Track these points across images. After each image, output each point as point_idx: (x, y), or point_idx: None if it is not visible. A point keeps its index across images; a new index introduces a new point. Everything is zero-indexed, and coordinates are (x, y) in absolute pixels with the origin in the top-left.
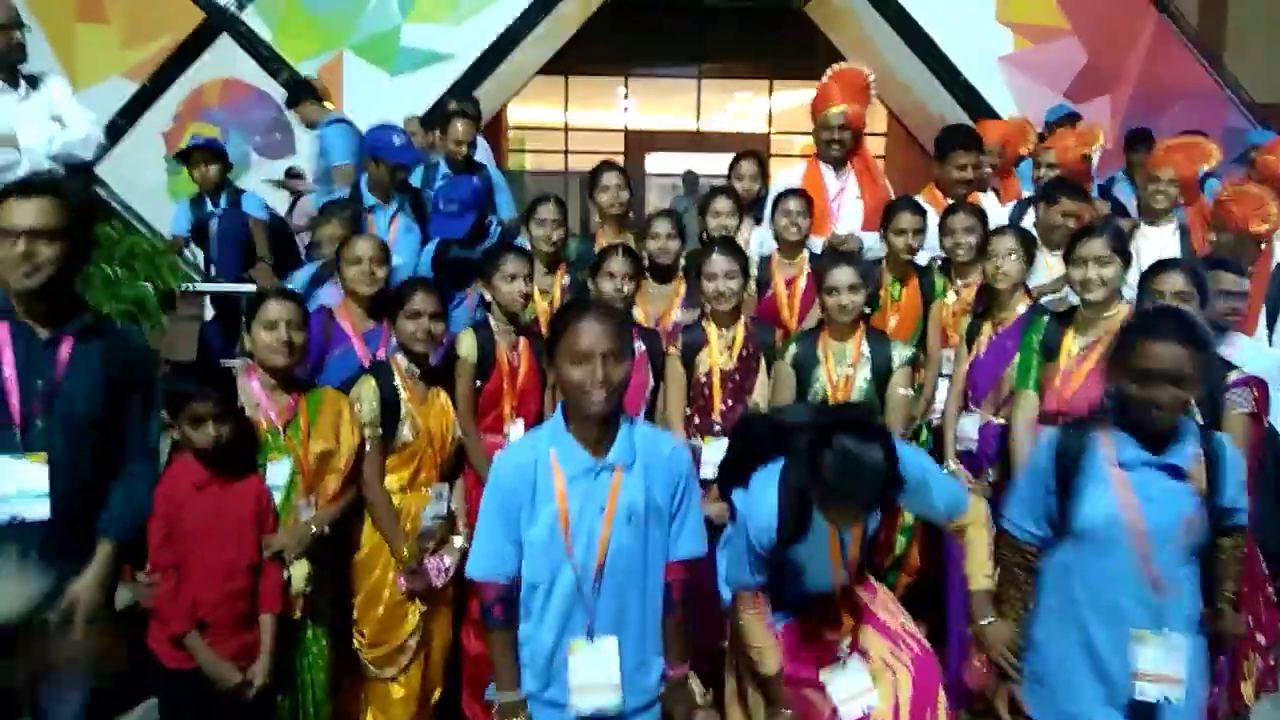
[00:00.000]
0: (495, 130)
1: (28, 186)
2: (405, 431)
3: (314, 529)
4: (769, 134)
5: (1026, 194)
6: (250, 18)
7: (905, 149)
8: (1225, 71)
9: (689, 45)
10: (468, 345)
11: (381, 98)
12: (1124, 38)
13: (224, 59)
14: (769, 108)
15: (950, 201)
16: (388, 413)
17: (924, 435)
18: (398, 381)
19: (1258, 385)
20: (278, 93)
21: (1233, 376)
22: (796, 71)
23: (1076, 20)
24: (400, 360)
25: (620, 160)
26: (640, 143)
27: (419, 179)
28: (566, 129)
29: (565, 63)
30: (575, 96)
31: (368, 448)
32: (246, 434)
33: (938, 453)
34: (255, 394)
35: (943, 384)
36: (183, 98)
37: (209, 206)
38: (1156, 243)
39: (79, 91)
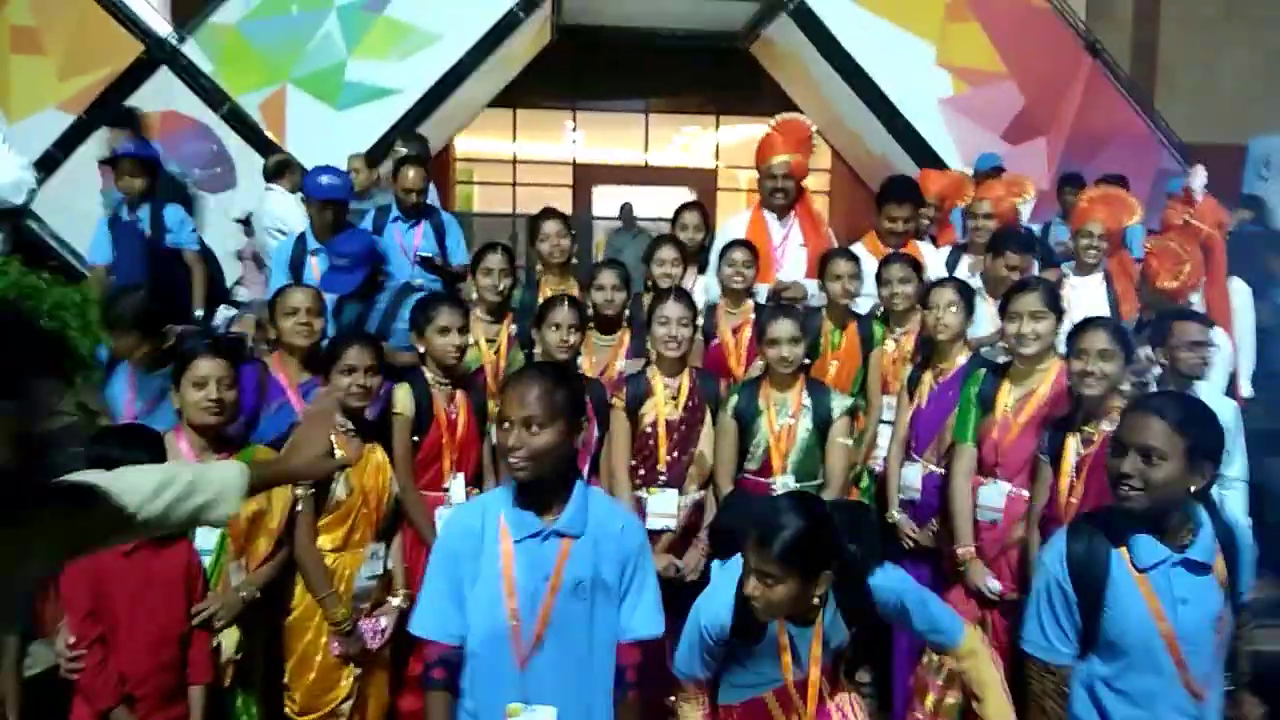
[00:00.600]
0: (442, 162)
1: None
2: (339, 490)
3: (244, 594)
4: (716, 168)
5: (961, 241)
6: (190, 50)
7: (849, 185)
8: (1157, 115)
9: (637, 80)
10: (404, 400)
11: (326, 133)
12: (1059, 83)
13: (163, 91)
14: (716, 142)
15: (888, 250)
16: None
17: (865, 481)
18: (331, 438)
19: None
20: (218, 126)
21: None
22: (743, 107)
23: (1013, 65)
24: (335, 417)
25: (569, 193)
26: (588, 176)
27: (369, 222)
28: (515, 161)
29: (514, 95)
30: (523, 128)
31: (300, 507)
32: None
33: (880, 500)
34: (184, 455)
35: (883, 430)
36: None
37: (125, 216)
38: (1085, 293)
39: (14, 123)
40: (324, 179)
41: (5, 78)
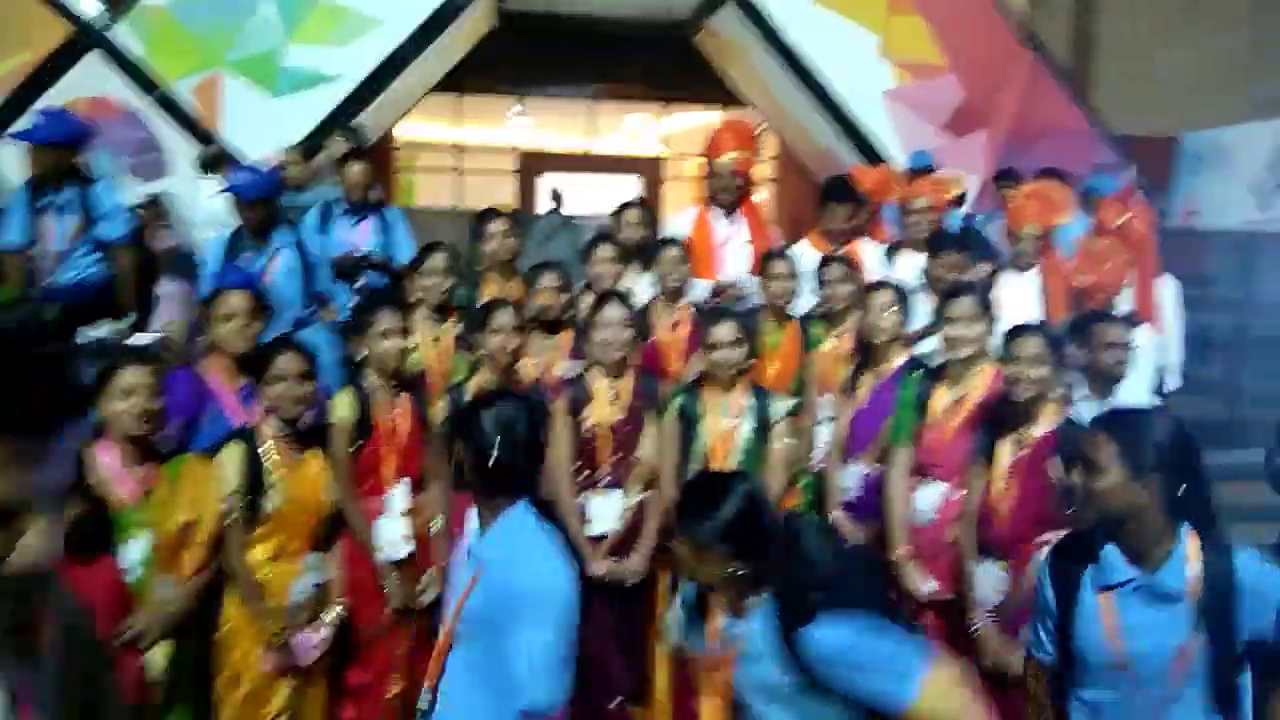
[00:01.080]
0: (382, 149)
1: None
2: (273, 499)
3: (173, 609)
4: (662, 156)
5: (895, 239)
6: (120, 33)
7: (795, 175)
8: (1094, 110)
9: (583, 67)
10: (344, 406)
11: (262, 120)
12: (998, 76)
13: (92, 76)
14: (662, 130)
15: (832, 247)
16: (254, 480)
17: (805, 480)
18: (266, 446)
19: None
20: (150, 112)
21: None
22: (690, 95)
23: (954, 58)
24: (270, 424)
25: (515, 180)
26: (533, 163)
27: (314, 217)
28: (458, 146)
29: (457, 81)
30: (467, 114)
31: (230, 517)
32: (97, 512)
33: (819, 501)
34: (109, 468)
35: (822, 430)
36: None
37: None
38: (1018, 292)
39: None
40: (241, 176)
41: None
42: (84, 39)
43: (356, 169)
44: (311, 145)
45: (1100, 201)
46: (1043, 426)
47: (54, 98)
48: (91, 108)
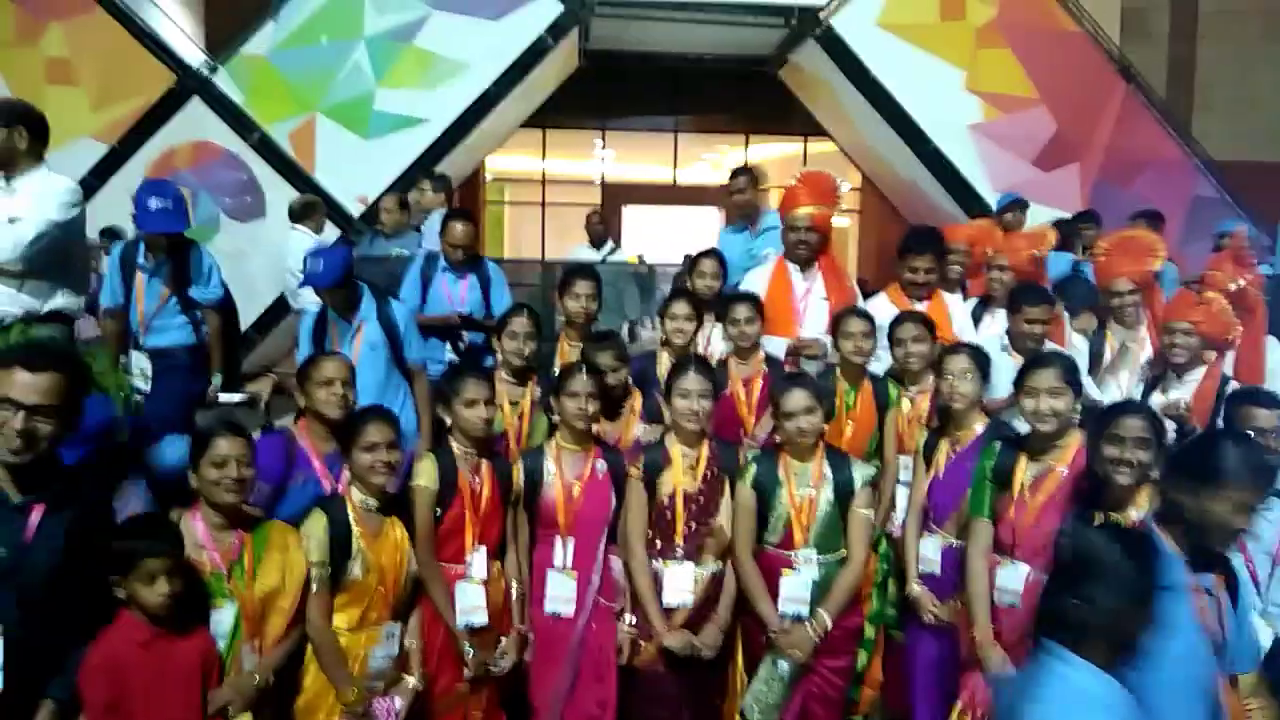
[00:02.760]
0: (473, 181)
1: (33, 357)
2: (355, 569)
3: (257, 679)
4: None
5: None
6: (221, 80)
7: (878, 202)
8: (1194, 142)
9: (666, 100)
10: (428, 472)
11: (354, 162)
12: (1092, 107)
13: (195, 121)
14: (745, 161)
15: (913, 302)
16: (338, 549)
17: (883, 546)
18: (350, 515)
19: None
20: (248, 155)
21: None
22: (773, 126)
23: (1045, 90)
24: (355, 493)
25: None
26: (617, 194)
27: (416, 273)
28: (544, 179)
29: (543, 116)
30: (553, 147)
31: (315, 587)
32: (193, 581)
33: (898, 569)
34: (200, 536)
35: (900, 492)
36: (153, 159)
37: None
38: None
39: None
40: (320, 267)
41: (40, 108)
42: (188, 86)
43: (460, 229)
44: (404, 189)
45: (1212, 260)
46: (1139, 512)
47: (160, 142)
48: (194, 151)
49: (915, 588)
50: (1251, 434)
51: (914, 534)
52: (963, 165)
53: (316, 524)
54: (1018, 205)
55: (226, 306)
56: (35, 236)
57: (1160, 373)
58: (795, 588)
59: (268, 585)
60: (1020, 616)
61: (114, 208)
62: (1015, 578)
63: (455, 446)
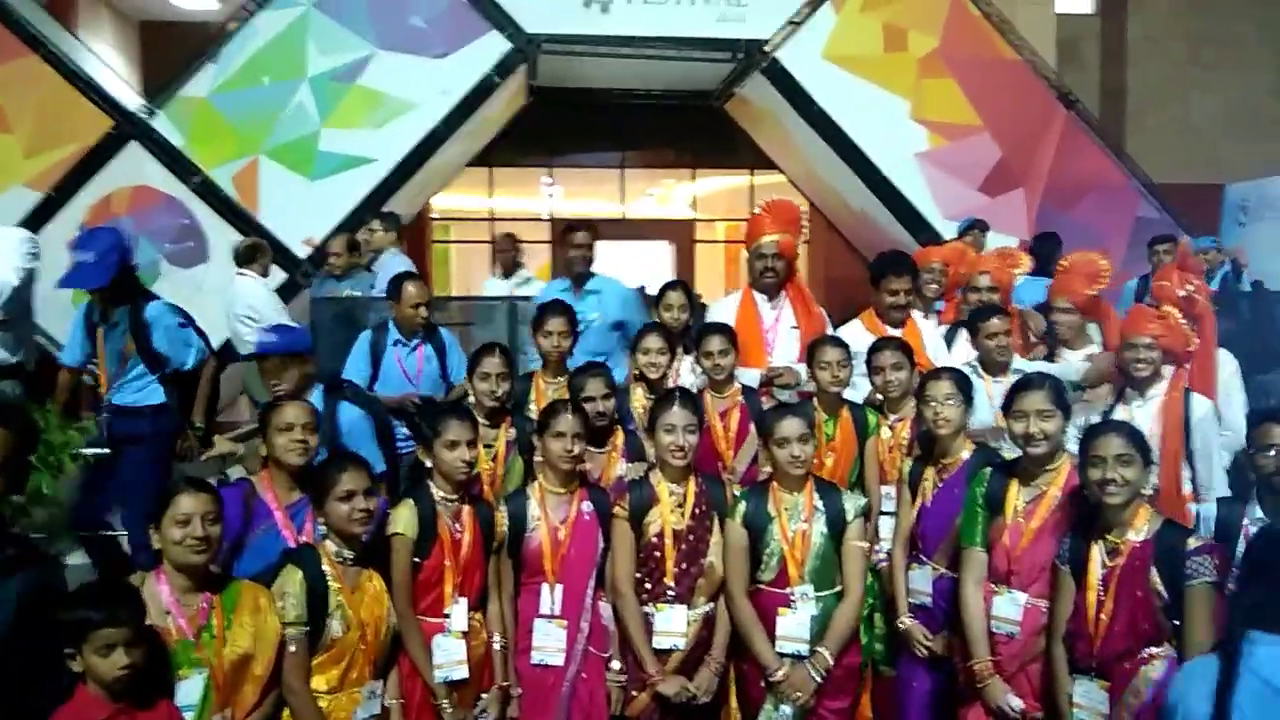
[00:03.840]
0: (419, 221)
1: None
2: (335, 626)
3: None
4: (693, 220)
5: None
6: (160, 124)
7: (826, 232)
8: (1132, 163)
9: (613, 136)
10: (406, 520)
11: (299, 203)
12: (1034, 134)
13: (133, 166)
14: (693, 194)
15: (888, 328)
16: (315, 607)
17: (869, 580)
18: (326, 568)
19: (1218, 553)
20: (190, 200)
21: (1191, 543)
22: (719, 160)
23: (988, 117)
24: (329, 545)
25: (548, 248)
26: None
27: (366, 345)
28: (491, 218)
29: (490, 154)
30: (500, 184)
31: (292, 648)
32: (155, 650)
33: (885, 604)
34: (165, 600)
35: (884, 522)
36: (89, 205)
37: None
38: (1077, 367)
39: None
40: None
41: None
42: (126, 130)
43: (414, 288)
44: (353, 229)
45: (1161, 270)
46: (1137, 533)
47: (97, 187)
48: (133, 196)
49: (907, 621)
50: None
51: (901, 565)
52: (911, 193)
53: (291, 580)
54: (977, 226)
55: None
56: (17, 286)
57: (1121, 389)
58: (793, 627)
59: (239, 650)
60: (1019, 646)
61: (48, 256)
62: (1012, 606)
63: (435, 491)
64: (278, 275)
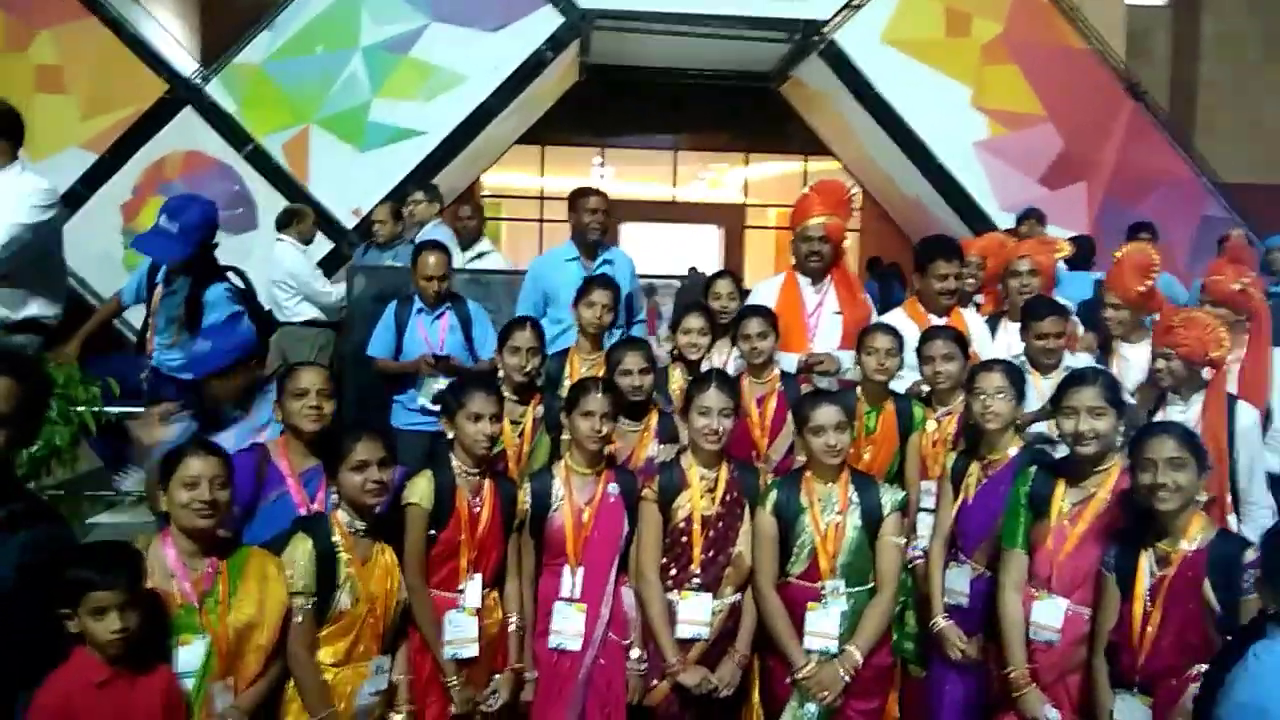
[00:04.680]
0: (470, 197)
1: None
2: (343, 599)
3: None
4: (744, 204)
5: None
6: (214, 90)
7: (880, 220)
8: (1201, 160)
9: (665, 117)
10: (423, 490)
11: (349, 174)
12: (1099, 125)
13: (186, 131)
14: (744, 178)
15: (933, 316)
16: (324, 577)
17: (902, 576)
18: (337, 539)
19: None
20: (240, 166)
21: (1250, 554)
22: (772, 144)
23: (1052, 107)
24: (341, 516)
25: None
26: (615, 212)
27: (391, 316)
28: (542, 196)
29: (541, 132)
30: (551, 163)
31: (298, 619)
32: (155, 614)
33: (919, 603)
34: (170, 563)
35: (922, 519)
36: (143, 169)
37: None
38: (1138, 361)
39: (37, 162)
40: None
41: (29, 116)
42: (180, 96)
43: (433, 258)
44: (399, 199)
45: (1212, 267)
46: (1190, 542)
47: (150, 151)
48: (185, 161)
49: (941, 622)
50: None
51: (939, 563)
52: (968, 182)
53: (300, 549)
54: (1033, 216)
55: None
56: (5, 241)
57: (1162, 393)
58: (823, 623)
59: (244, 618)
60: (1059, 655)
61: (101, 216)
62: (1053, 613)
63: (455, 464)
64: (323, 244)
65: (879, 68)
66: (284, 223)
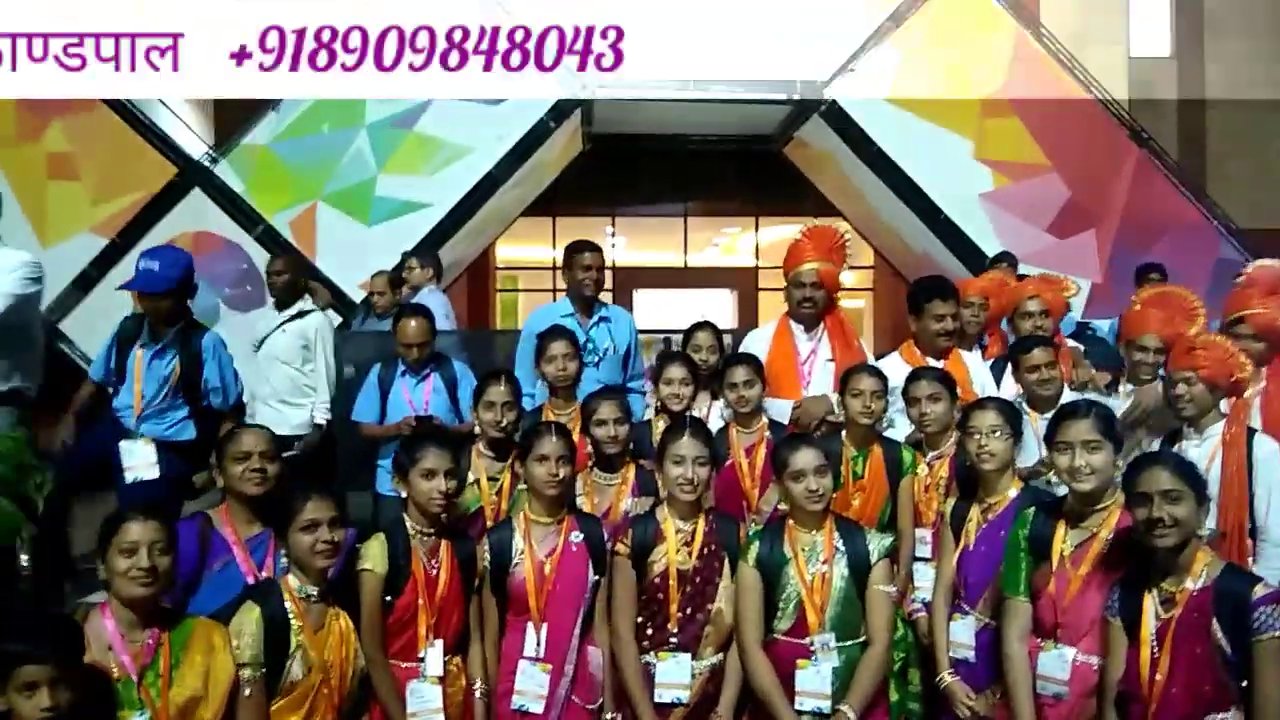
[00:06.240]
0: (482, 270)
1: None
2: (296, 668)
3: None
4: (757, 267)
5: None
6: (222, 171)
7: (892, 281)
8: (1212, 203)
9: (674, 185)
10: (376, 554)
11: (356, 248)
12: (1106, 173)
13: (195, 212)
14: (756, 242)
15: (930, 359)
16: (275, 646)
17: (900, 630)
18: (288, 606)
19: None
20: (249, 245)
21: (1259, 590)
22: (783, 207)
23: (1057, 157)
24: (292, 580)
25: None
26: (628, 279)
27: (374, 383)
28: (555, 266)
29: (552, 203)
30: (563, 234)
31: (247, 692)
32: (96, 687)
33: (922, 658)
34: (108, 635)
35: (919, 569)
36: None
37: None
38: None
39: (49, 248)
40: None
41: (41, 204)
42: (189, 178)
43: (413, 324)
44: (396, 268)
45: (1237, 294)
46: (1194, 581)
47: (160, 233)
48: (195, 241)
49: (947, 678)
50: None
51: (942, 615)
52: (975, 235)
53: (248, 617)
54: (1005, 260)
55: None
56: (4, 310)
57: (1176, 430)
58: (813, 681)
59: (187, 692)
60: (1068, 708)
61: (111, 302)
62: (1060, 664)
63: (409, 524)
64: (332, 318)
65: (880, 124)
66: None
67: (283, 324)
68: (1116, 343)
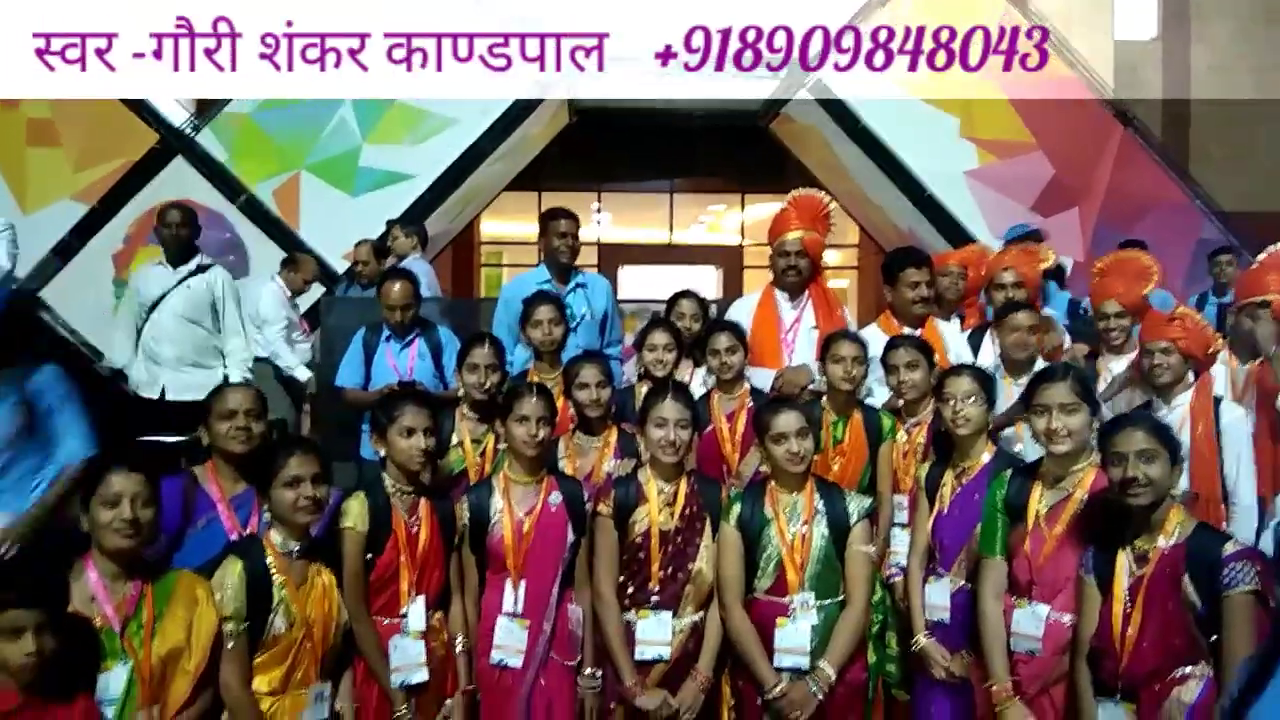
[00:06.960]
0: (466, 245)
1: None
2: (278, 622)
3: None
4: (742, 245)
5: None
6: (205, 139)
7: (876, 258)
8: (1195, 184)
9: (661, 160)
10: (356, 513)
11: (340, 218)
12: (1090, 151)
13: (178, 181)
14: (741, 220)
15: (906, 328)
16: (257, 601)
17: (879, 594)
18: (270, 561)
19: (1260, 559)
20: (232, 214)
21: (1229, 547)
22: (769, 184)
23: (1042, 135)
24: (274, 536)
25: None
26: (614, 255)
27: (358, 349)
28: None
29: (538, 178)
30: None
31: (230, 644)
32: (81, 638)
33: (900, 619)
34: (91, 585)
35: (896, 534)
36: (134, 219)
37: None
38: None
39: (29, 214)
40: None
41: (21, 170)
42: (171, 146)
43: (397, 286)
44: (382, 240)
45: (1253, 273)
46: (1167, 538)
47: (142, 201)
48: None
49: (923, 639)
50: None
51: (918, 578)
52: (960, 212)
53: (231, 572)
54: (1030, 236)
55: None
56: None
57: (1147, 399)
58: (792, 638)
59: (169, 643)
60: (1042, 665)
61: (92, 267)
62: (1034, 621)
63: (389, 483)
64: (316, 290)
65: (865, 101)
66: (282, 265)
67: (184, 280)
68: None
